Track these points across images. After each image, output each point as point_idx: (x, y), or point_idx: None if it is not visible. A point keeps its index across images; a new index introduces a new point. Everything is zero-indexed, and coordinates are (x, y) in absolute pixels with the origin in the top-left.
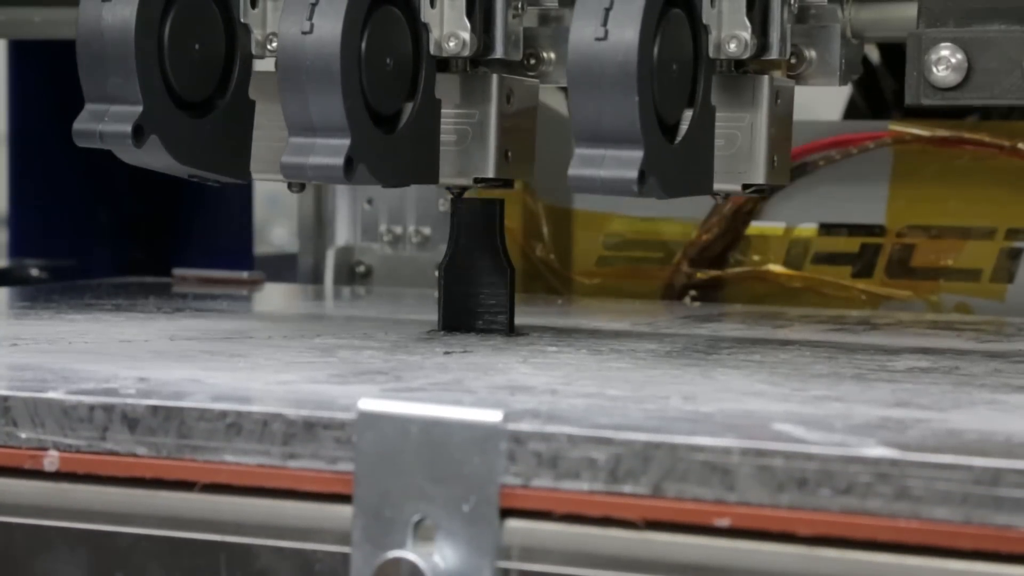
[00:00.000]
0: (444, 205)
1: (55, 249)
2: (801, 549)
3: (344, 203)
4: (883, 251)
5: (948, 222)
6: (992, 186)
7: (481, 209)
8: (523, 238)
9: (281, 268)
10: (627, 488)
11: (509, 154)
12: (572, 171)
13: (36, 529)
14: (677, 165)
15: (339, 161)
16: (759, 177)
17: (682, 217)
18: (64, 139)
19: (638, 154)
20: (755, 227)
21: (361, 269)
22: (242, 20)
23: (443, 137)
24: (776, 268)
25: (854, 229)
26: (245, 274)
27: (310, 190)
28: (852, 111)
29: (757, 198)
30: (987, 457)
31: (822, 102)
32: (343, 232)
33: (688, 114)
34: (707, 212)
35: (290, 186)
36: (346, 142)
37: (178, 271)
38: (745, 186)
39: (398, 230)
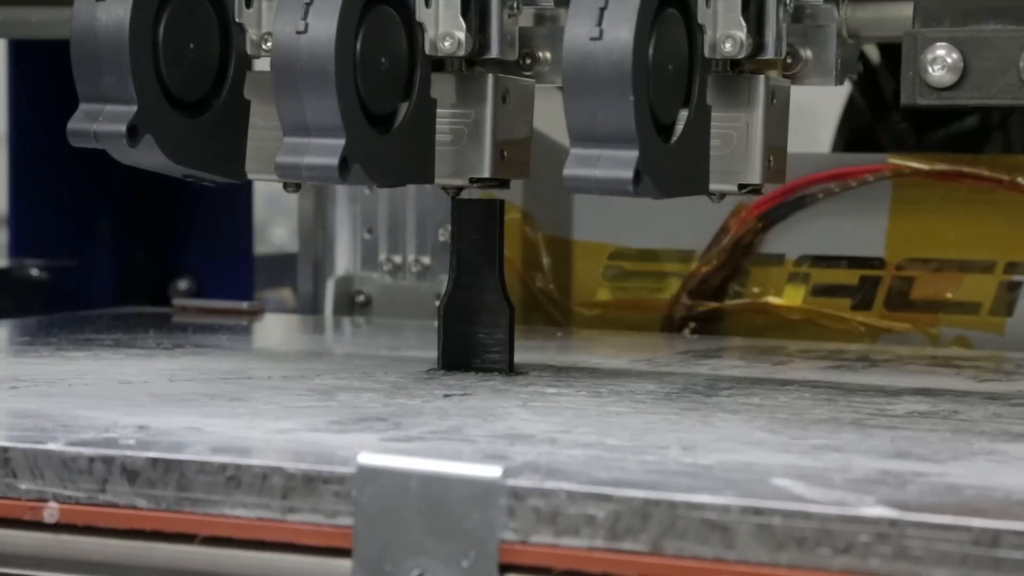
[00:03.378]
0: (444, 235)
1: (55, 249)
2: None
3: (344, 232)
4: (882, 284)
5: (947, 255)
6: (991, 220)
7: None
8: (523, 269)
9: (281, 268)
10: (626, 545)
11: (505, 154)
12: (567, 171)
13: None
14: (672, 165)
15: (334, 161)
16: (755, 177)
17: (682, 249)
18: (64, 139)
19: (633, 154)
20: (755, 259)
21: (361, 299)
22: (237, 20)
23: (438, 137)
24: (775, 300)
25: (853, 262)
26: (244, 304)
27: (310, 217)
28: (851, 110)
29: (758, 229)
30: (986, 518)
31: (822, 102)
32: (343, 261)
33: (683, 114)
34: (707, 244)
35: (285, 186)
36: (341, 142)
37: (177, 301)
38: (741, 186)
39: (398, 259)
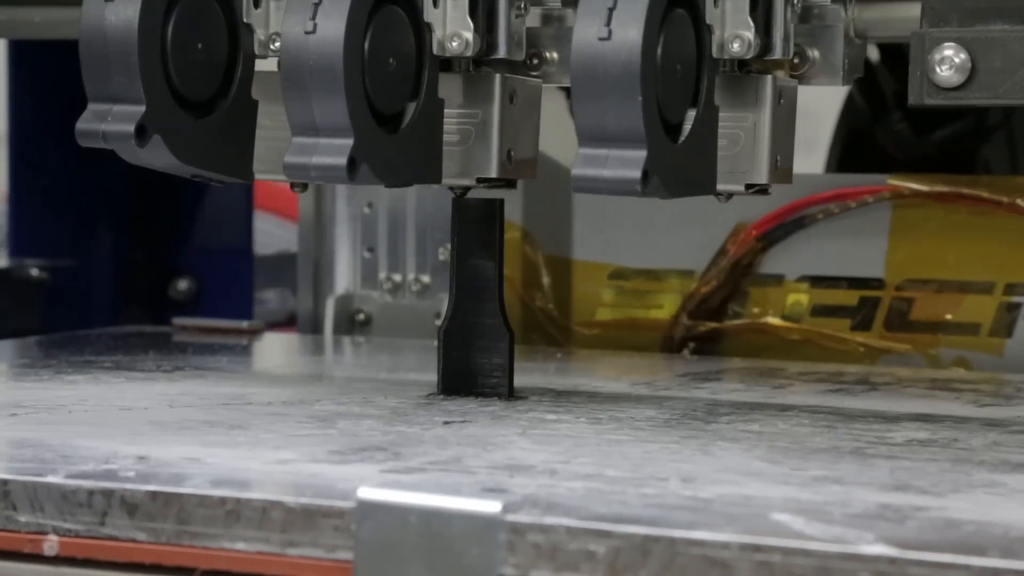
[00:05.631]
0: (444, 254)
1: (55, 249)
2: None
3: (344, 251)
4: (882, 304)
5: (947, 276)
6: (990, 241)
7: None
8: (522, 288)
9: (281, 268)
10: None
11: (512, 154)
12: (576, 171)
13: None
14: (680, 165)
15: (342, 161)
16: (762, 177)
17: (682, 269)
18: (64, 139)
19: (641, 154)
20: (754, 279)
21: (361, 317)
22: (245, 20)
23: (446, 137)
24: (775, 321)
25: (853, 282)
26: (245, 323)
27: (311, 236)
28: (851, 110)
29: (757, 250)
30: (985, 556)
31: (821, 101)
32: (343, 280)
33: (691, 114)
34: (706, 264)
35: (293, 186)
36: (349, 142)
37: (177, 320)
38: (748, 186)
39: (398, 278)
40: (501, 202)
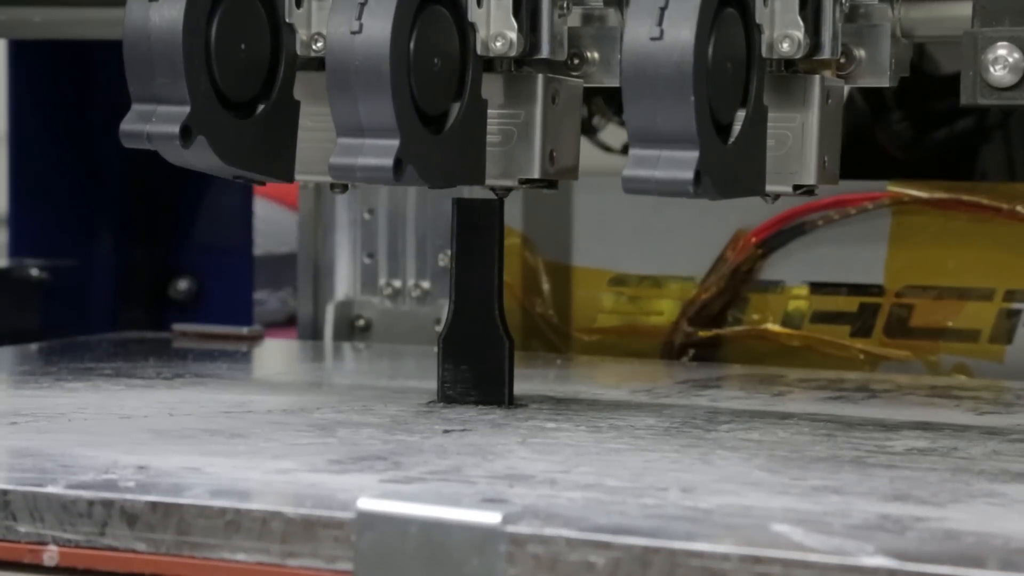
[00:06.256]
0: (444, 260)
1: (55, 249)
2: None
3: (344, 257)
4: (882, 311)
5: (947, 283)
6: (990, 247)
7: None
8: (522, 294)
9: (281, 268)
10: None
11: (554, 154)
12: (627, 172)
13: None
14: (731, 166)
15: (388, 162)
16: (810, 178)
17: (682, 275)
18: (64, 139)
19: (693, 155)
20: (754, 286)
21: (361, 323)
22: (287, 20)
23: (488, 138)
24: (774, 327)
25: (853, 289)
26: (244, 330)
27: (311, 242)
28: (850, 110)
29: (757, 256)
30: (984, 568)
31: None
32: (342, 286)
33: (741, 114)
34: (706, 270)
35: (332, 187)
36: (395, 143)
37: (177, 326)
38: (796, 187)
39: (398, 284)
40: (501, 203)
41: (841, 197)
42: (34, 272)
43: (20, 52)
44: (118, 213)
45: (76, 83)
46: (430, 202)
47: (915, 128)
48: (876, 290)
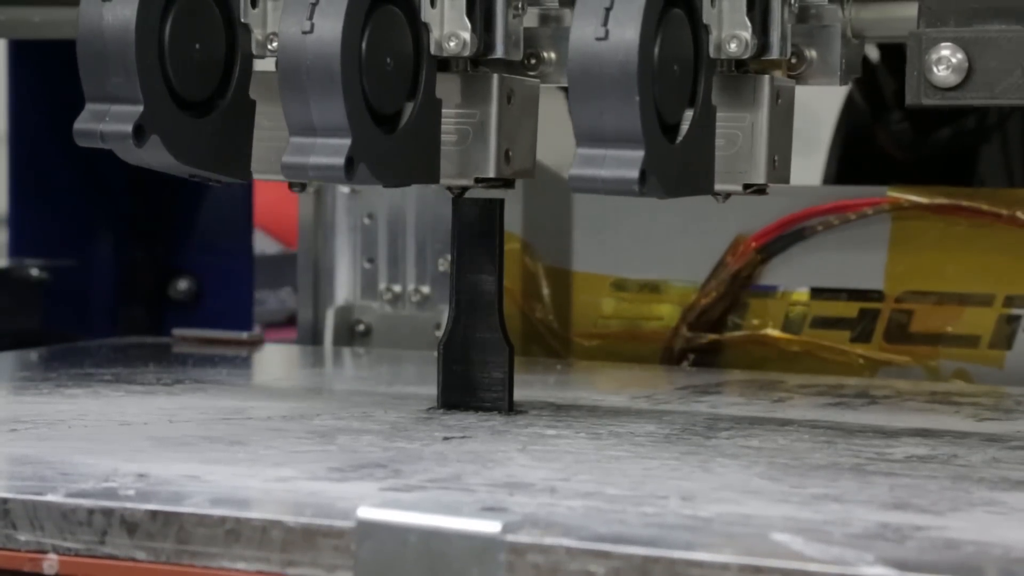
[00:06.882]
0: (444, 265)
1: (55, 249)
2: None
3: (344, 262)
4: (882, 316)
5: (947, 288)
6: (990, 253)
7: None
8: (522, 299)
9: (281, 268)
10: None
11: (510, 154)
12: (573, 171)
13: None
14: (678, 165)
15: (340, 161)
16: (760, 177)
17: (682, 280)
18: (63, 139)
19: (639, 154)
20: (754, 291)
21: (361, 328)
22: (242, 20)
23: (444, 137)
24: (774, 332)
25: (853, 294)
26: (244, 335)
27: (311, 246)
28: (850, 110)
29: (757, 261)
30: None
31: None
32: (342, 290)
33: (689, 114)
34: (706, 275)
35: (291, 186)
36: (347, 142)
37: (177, 331)
38: (746, 186)
39: (398, 289)
40: (501, 202)
41: (841, 203)
42: (34, 272)
43: (20, 52)
44: (118, 213)
45: (76, 83)
46: (430, 207)
47: (915, 128)
48: (876, 295)
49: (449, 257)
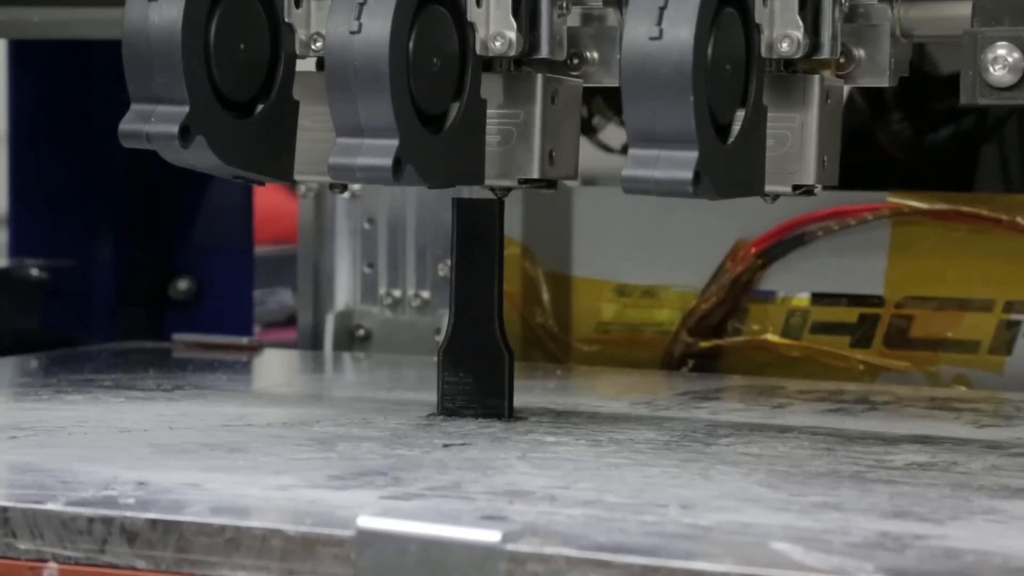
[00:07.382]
0: (444, 270)
1: (55, 249)
2: None
3: (344, 266)
4: (881, 322)
5: (946, 294)
6: (990, 258)
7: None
8: (522, 304)
9: (281, 268)
10: None
11: (553, 154)
12: (626, 172)
13: None
14: (730, 166)
15: (388, 162)
16: (809, 177)
17: (682, 285)
18: (64, 139)
19: (693, 155)
20: (754, 296)
21: (360, 333)
22: (286, 20)
23: (487, 138)
24: (774, 338)
25: (853, 299)
26: (244, 340)
27: (311, 251)
28: (850, 110)
29: (757, 267)
30: None
31: None
32: (342, 295)
33: (740, 114)
34: (706, 280)
35: (332, 187)
36: (394, 143)
37: (177, 336)
38: (795, 187)
39: (398, 294)
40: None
41: (841, 208)
42: (34, 272)
43: (20, 52)
44: (118, 213)
45: (76, 83)
46: (430, 212)
47: (915, 128)
48: (876, 301)
49: (449, 262)
